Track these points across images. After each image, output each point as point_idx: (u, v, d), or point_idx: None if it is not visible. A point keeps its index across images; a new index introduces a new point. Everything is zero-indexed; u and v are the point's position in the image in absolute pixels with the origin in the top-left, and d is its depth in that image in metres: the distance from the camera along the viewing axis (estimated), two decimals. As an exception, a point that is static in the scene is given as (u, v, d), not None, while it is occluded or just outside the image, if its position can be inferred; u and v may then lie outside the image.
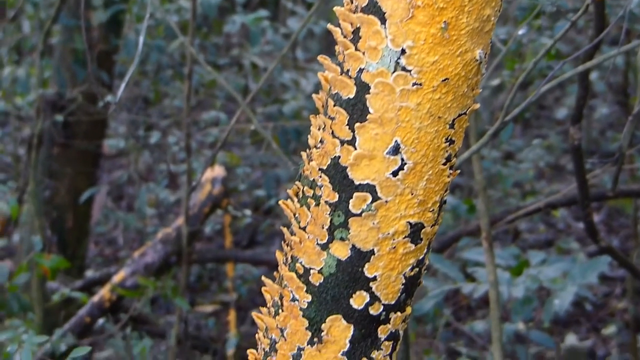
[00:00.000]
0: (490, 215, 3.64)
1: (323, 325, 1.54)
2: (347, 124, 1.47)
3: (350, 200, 1.49)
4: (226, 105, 7.17)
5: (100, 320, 4.75)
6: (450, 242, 4.75)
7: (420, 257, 1.54)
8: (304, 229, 1.54)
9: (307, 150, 1.56)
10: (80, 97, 5.30)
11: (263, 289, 1.63)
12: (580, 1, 3.78)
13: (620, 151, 2.74)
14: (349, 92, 1.47)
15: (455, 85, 1.44)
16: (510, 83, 5.35)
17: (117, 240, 7.21)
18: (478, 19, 1.42)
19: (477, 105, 1.51)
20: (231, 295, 5.42)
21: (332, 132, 1.49)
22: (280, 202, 1.61)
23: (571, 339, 5.29)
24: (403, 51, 1.42)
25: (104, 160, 7.40)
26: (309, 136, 1.55)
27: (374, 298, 1.53)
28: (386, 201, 1.48)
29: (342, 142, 1.48)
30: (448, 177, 1.51)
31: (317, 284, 1.53)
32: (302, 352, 1.56)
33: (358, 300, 1.53)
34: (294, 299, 1.56)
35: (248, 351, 1.66)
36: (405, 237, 1.51)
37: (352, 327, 1.54)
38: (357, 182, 1.48)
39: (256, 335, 1.65)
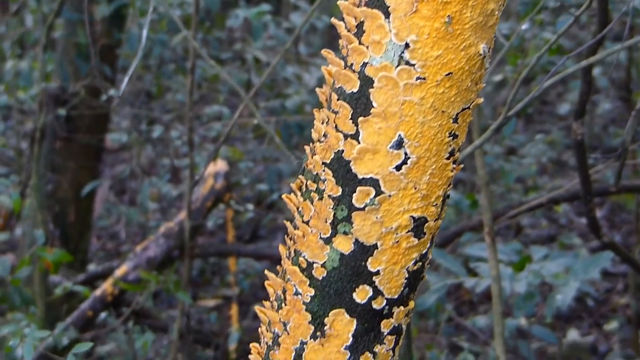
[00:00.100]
0: (493, 210, 3.64)
1: (326, 319, 1.54)
2: (351, 118, 1.47)
3: (354, 194, 1.49)
4: (229, 99, 7.17)
5: (103, 314, 4.75)
6: (453, 237, 4.76)
7: (424, 252, 1.54)
8: (307, 222, 1.54)
9: (311, 144, 1.55)
10: (83, 91, 5.30)
11: (266, 282, 1.62)
12: (584, -4, 3.77)
13: (623, 146, 2.74)
14: (353, 86, 1.47)
15: (459, 80, 1.44)
16: (512, 78, 5.35)
17: (120, 234, 7.22)
18: (482, 13, 1.42)
19: (481, 100, 1.50)
20: (233, 289, 5.42)
21: (336, 126, 1.49)
22: (283, 196, 1.61)
23: (573, 335, 5.30)
24: (407, 45, 1.42)
25: (107, 154, 7.41)
26: (312, 130, 1.55)
27: (377, 292, 1.53)
28: (389, 195, 1.48)
29: (346, 136, 1.48)
30: (451, 171, 1.51)
31: (320, 278, 1.53)
32: (305, 346, 1.56)
33: (361, 295, 1.53)
34: (297, 293, 1.56)
35: (251, 345, 1.65)
36: (408, 231, 1.51)
37: (355, 321, 1.54)
38: (360, 176, 1.48)
39: (259, 329, 1.64)
